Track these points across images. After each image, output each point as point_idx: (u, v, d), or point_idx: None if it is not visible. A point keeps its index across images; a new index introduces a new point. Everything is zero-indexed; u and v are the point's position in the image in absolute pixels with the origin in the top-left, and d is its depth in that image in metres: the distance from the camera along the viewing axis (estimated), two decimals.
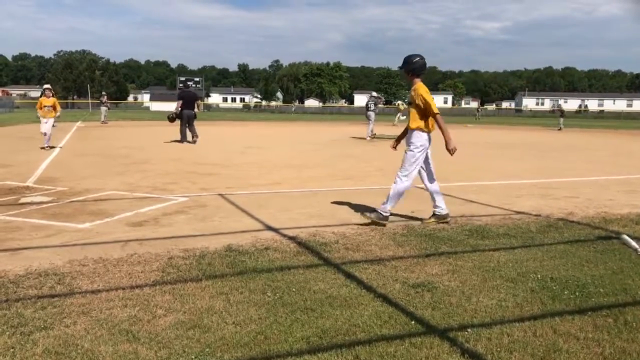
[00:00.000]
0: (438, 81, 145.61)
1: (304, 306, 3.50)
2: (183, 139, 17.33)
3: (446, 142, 5.84)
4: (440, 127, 5.86)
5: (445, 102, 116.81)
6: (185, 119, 17.38)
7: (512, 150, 17.05)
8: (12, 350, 2.83)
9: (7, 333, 3.02)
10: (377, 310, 3.46)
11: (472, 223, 6.03)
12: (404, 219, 6.24)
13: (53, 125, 14.90)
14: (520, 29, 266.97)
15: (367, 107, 22.08)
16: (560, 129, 33.93)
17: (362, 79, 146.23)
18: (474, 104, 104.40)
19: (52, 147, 14.29)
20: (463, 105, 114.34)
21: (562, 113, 36.79)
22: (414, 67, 5.91)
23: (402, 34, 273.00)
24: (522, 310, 3.52)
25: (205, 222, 5.95)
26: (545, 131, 32.88)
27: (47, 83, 14.92)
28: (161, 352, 2.86)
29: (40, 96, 15.30)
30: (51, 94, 15.03)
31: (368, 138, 21.01)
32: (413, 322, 3.30)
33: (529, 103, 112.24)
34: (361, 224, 5.84)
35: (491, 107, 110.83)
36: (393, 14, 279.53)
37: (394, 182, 5.87)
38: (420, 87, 5.86)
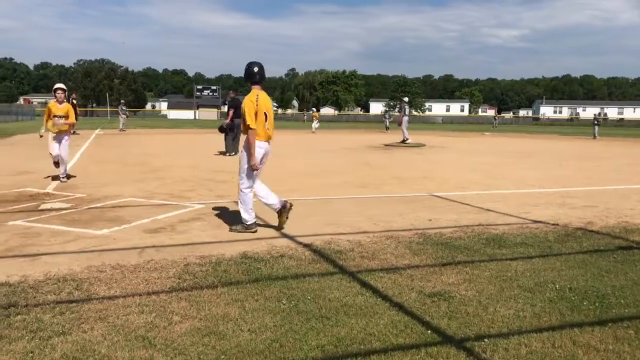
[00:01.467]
0: (455, 89, 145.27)
1: (319, 314, 3.50)
2: (229, 150, 15.78)
3: (248, 158, 5.70)
4: (248, 141, 5.69)
5: (462, 110, 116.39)
6: (236, 129, 15.49)
7: (529, 159, 16.89)
8: (31, 354, 2.87)
9: (27, 337, 3.06)
10: (392, 319, 3.45)
11: (489, 232, 5.98)
12: (419, 228, 6.20)
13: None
14: (538, 37, 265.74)
15: (405, 113, 22.16)
16: (594, 137, 33.49)
17: (378, 86, 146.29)
18: (491, 112, 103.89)
19: (68, 177, 9.82)
20: (480, 114, 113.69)
21: (598, 122, 36.41)
22: (245, 75, 5.96)
23: (418, 42, 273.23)
24: (540, 320, 3.48)
25: (221, 229, 5.98)
26: (563, 140, 32.52)
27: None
28: (177, 358, 2.87)
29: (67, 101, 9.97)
30: (65, 97, 9.64)
31: (409, 140, 21.71)
32: (429, 331, 3.27)
33: (547, 111, 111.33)
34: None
35: (508, 115, 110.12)
36: (409, 22, 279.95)
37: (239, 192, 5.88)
38: (248, 96, 5.79)
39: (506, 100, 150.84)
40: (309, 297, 3.80)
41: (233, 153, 15.56)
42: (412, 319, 3.46)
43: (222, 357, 2.89)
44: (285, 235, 5.70)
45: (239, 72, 6.10)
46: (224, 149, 16.21)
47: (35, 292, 3.81)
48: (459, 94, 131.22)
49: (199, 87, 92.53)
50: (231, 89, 16.82)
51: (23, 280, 4.07)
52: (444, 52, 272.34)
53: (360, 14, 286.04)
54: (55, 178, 9.69)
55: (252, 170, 5.75)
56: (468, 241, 5.54)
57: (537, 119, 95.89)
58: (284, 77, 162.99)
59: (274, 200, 5.93)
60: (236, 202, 7.67)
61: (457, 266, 4.65)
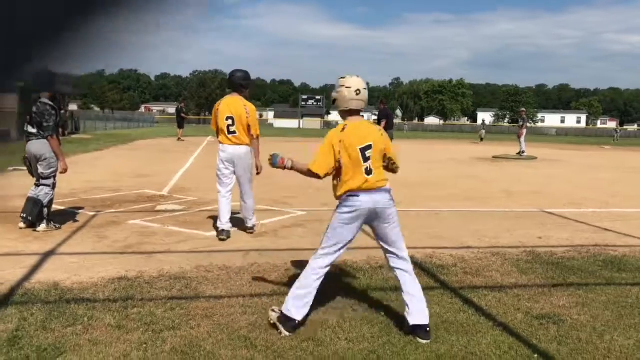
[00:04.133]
0: (571, 99, 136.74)
1: None
2: None
3: None
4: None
5: (579, 121, 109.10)
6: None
7: None
8: (144, 345, 3.08)
9: (141, 329, 3.29)
10: (496, 339, 3.29)
11: (607, 253, 5.53)
12: (528, 246, 5.87)
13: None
14: None
15: (524, 125, 21.41)
16: None
17: (487, 96, 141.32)
18: (612, 124, 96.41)
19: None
20: (599, 126, 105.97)
21: None
22: (228, 83, 6.02)
23: (532, 49, 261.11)
24: None
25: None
26: None
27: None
28: None
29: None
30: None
31: (525, 153, 21.07)
32: (536, 355, 3.09)
33: None
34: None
35: (632, 127, 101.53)
36: (524, 29, 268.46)
37: None
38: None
39: (630, 111, 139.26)
40: None
41: None
42: (517, 340, 3.28)
43: None
44: None
45: None
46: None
47: (149, 287, 4.09)
48: (576, 104, 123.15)
49: (304, 96, 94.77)
50: (380, 100, 16.79)
51: (139, 275, 4.38)
52: (559, 60, 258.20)
53: (472, 21, 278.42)
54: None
55: (220, 175, 6.00)
56: (582, 262, 5.16)
57: None
58: (388, 86, 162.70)
59: (220, 223, 5.92)
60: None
61: (569, 288, 4.35)
